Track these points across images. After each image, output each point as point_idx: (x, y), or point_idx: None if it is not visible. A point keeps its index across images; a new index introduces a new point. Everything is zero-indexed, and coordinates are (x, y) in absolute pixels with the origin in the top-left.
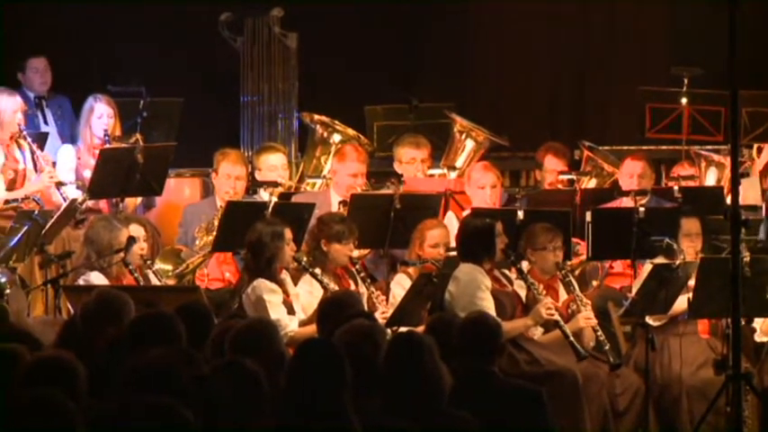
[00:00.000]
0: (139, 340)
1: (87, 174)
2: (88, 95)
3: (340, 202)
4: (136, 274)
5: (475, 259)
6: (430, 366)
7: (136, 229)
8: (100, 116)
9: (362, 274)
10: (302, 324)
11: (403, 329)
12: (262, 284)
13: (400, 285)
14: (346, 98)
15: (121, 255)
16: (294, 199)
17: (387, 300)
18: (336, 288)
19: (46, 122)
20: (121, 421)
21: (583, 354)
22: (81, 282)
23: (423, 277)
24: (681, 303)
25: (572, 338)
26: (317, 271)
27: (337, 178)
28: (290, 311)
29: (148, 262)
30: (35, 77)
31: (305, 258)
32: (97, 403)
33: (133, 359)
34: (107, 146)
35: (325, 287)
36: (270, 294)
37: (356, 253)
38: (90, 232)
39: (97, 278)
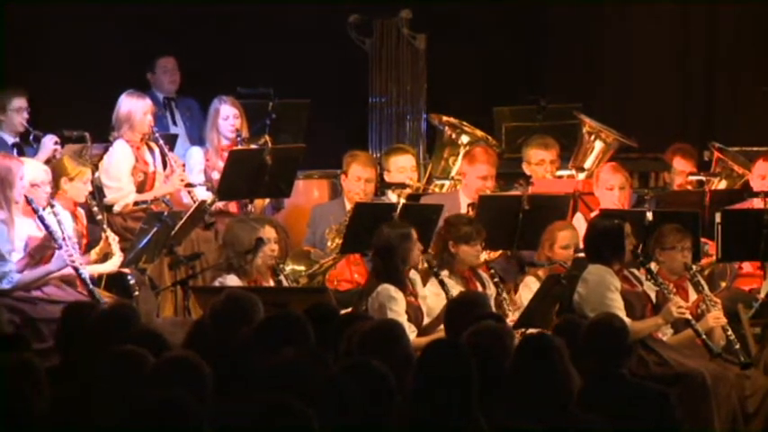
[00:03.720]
0: (268, 341)
1: (215, 176)
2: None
3: (469, 205)
4: (255, 276)
5: (603, 261)
6: (560, 368)
7: (268, 231)
8: (226, 117)
9: (496, 279)
10: (428, 327)
11: (532, 331)
12: (385, 291)
13: (528, 288)
14: (474, 99)
15: (247, 255)
16: (423, 200)
17: (514, 301)
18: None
19: (175, 123)
20: (250, 422)
21: (715, 351)
22: (216, 284)
23: (551, 279)
24: None
25: (704, 336)
26: (445, 273)
27: (467, 180)
28: (416, 314)
29: (282, 265)
30: (164, 77)
31: (434, 261)
32: (225, 404)
33: (262, 360)
34: (239, 146)
35: (448, 295)
36: (391, 302)
37: (484, 256)
38: (228, 235)
39: (233, 281)
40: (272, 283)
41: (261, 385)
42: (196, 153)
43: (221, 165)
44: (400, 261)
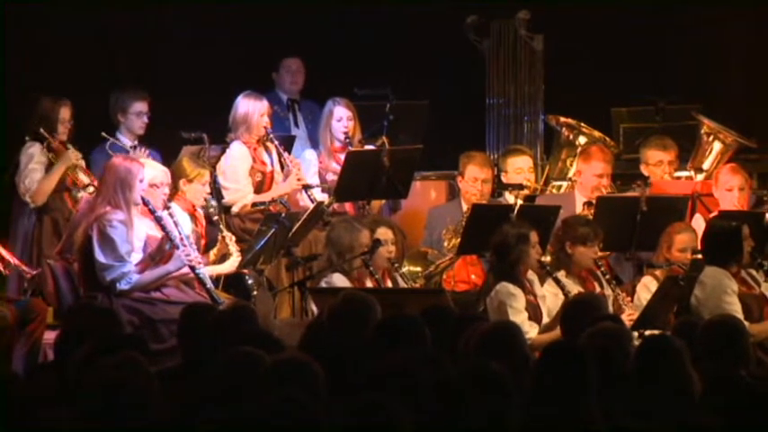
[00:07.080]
0: (385, 342)
1: (329, 177)
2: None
3: (585, 203)
4: (377, 276)
5: (721, 262)
6: (681, 370)
7: (384, 232)
8: (339, 119)
9: (607, 276)
10: (546, 327)
11: (653, 332)
12: (504, 289)
13: (647, 288)
14: (592, 100)
15: (365, 257)
16: (537, 201)
17: (632, 302)
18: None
19: (297, 125)
20: (361, 421)
21: None
22: (323, 283)
23: (669, 280)
24: None
25: None
26: (561, 274)
27: (582, 179)
28: (535, 314)
29: (396, 265)
30: (286, 77)
31: (548, 258)
32: (341, 403)
33: (378, 361)
34: (349, 149)
35: (566, 293)
36: (511, 299)
37: None
38: (332, 234)
39: (339, 280)
40: (389, 284)
41: (376, 386)
42: (309, 155)
43: (335, 166)
44: (515, 260)
